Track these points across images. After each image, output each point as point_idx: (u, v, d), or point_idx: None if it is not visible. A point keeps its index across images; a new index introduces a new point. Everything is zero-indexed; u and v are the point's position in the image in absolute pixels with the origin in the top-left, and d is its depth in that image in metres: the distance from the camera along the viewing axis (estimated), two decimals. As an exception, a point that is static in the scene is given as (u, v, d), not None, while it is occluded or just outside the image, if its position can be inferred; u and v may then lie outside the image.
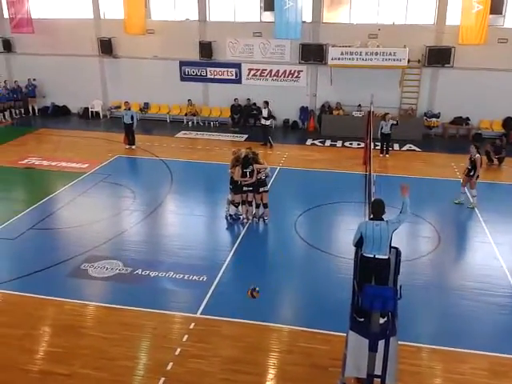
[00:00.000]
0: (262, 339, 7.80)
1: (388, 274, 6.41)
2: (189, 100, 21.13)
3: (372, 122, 14.63)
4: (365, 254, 6.47)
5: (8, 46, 22.37)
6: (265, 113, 18.14)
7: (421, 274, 9.71)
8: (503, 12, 18.39)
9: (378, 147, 17.04)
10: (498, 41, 18.23)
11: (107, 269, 9.73)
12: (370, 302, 5.73)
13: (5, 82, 22.09)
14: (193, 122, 21.41)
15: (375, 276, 6.42)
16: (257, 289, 7.67)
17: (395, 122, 16.88)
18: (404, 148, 18.24)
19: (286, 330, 8.03)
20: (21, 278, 9.37)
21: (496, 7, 17.99)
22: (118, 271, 9.67)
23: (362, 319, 6.21)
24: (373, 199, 7.13)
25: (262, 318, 8.21)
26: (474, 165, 12.38)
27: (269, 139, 18.12)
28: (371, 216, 6.70)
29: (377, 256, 6.41)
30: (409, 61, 18.59)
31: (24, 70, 22.31)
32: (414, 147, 18.32)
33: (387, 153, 17.16)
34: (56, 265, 9.81)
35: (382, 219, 6.56)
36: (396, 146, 18.24)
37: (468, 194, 12.82)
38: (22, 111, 22.49)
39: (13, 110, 22.06)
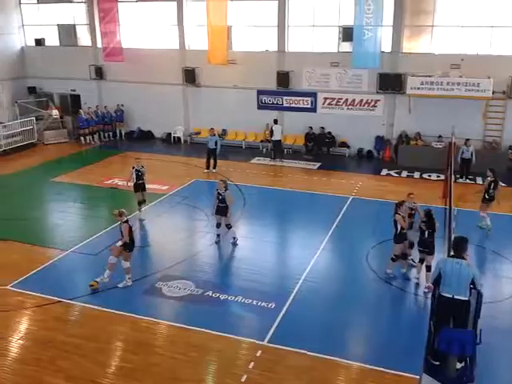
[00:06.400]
0: (329, 374, 7.62)
1: (467, 317, 6.05)
2: (268, 124, 21.24)
3: (454, 154, 14.09)
4: (443, 294, 6.18)
5: (100, 74, 24.18)
6: None
7: (503, 318, 9.06)
8: None
9: (460, 180, 16.80)
10: None
11: (180, 289, 10.01)
12: (447, 345, 5.46)
13: (96, 106, 23.82)
14: (267, 149, 21.74)
15: (453, 318, 6.10)
16: None
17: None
18: (487, 182, 17.25)
19: (355, 367, 7.78)
20: (98, 293, 9.89)
21: None
22: (190, 292, 9.93)
23: (438, 362, 5.89)
24: (453, 236, 6.83)
25: (329, 352, 8.02)
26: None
27: None
28: (451, 253, 6.41)
29: (456, 296, 6.10)
30: (493, 92, 17.79)
31: (113, 95, 23.91)
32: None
33: (467, 178, 17.18)
34: (133, 281, 10.25)
35: (464, 258, 6.25)
36: (479, 180, 17.35)
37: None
38: (110, 134, 24.04)
39: (101, 133, 23.69)
